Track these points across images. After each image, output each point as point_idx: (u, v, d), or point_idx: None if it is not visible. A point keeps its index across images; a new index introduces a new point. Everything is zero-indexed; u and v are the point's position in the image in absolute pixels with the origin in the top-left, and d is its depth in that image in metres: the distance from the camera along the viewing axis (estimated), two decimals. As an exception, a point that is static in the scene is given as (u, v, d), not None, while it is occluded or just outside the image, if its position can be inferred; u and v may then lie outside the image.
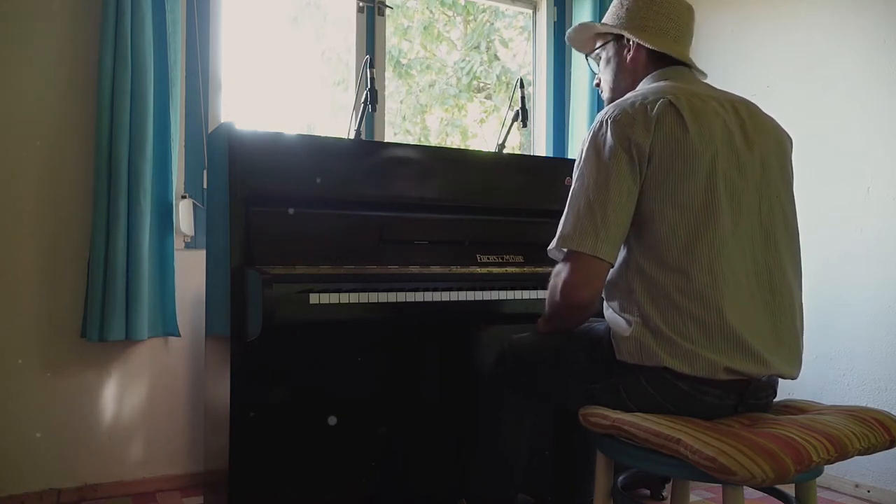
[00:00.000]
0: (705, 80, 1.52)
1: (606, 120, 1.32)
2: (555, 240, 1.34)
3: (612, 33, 1.54)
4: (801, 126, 2.60)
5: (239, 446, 1.74)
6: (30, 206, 2.21)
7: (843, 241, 2.46)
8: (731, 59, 2.90)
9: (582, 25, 1.60)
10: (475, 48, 4.38)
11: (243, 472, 1.76)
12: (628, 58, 1.51)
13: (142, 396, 2.35)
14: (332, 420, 1.83)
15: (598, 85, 1.63)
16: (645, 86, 1.44)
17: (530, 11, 3.33)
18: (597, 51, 1.60)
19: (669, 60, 1.48)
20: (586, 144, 1.34)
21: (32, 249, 2.21)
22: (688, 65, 1.50)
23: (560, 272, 1.33)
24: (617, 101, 1.36)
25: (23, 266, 2.20)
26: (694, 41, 1.57)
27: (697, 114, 1.30)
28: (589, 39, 1.63)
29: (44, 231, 2.22)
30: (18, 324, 2.19)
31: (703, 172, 1.27)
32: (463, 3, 4.35)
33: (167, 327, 2.32)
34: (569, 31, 1.63)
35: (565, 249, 1.32)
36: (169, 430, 2.38)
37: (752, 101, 1.47)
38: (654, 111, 1.28)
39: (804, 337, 1.41)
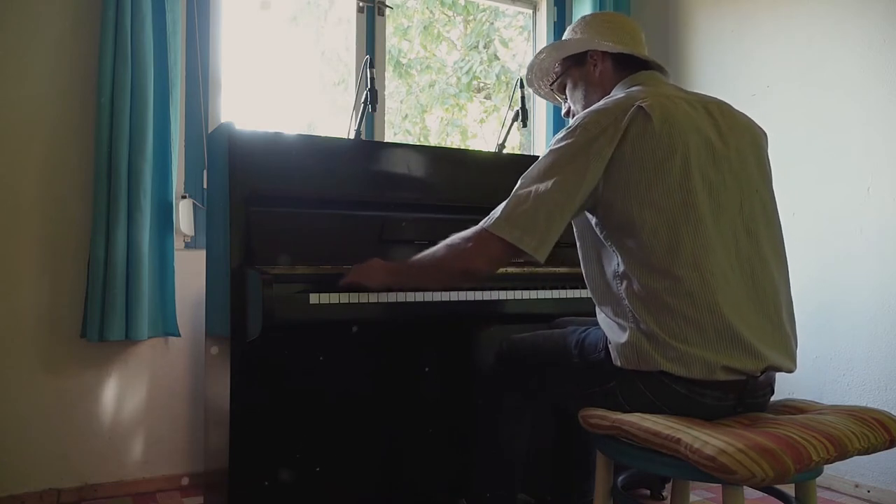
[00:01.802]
0: (672, 81, 1.55)
1: (578, 126, 1.34)
2: (489, 218, 1.35)
3: (572, 57, 1.58)
4: (801, 126, 2.61)
5: (239, 446, 1.74)
6: (30, 206, 2.21)
7: (843, 241, 2.46)
8: (731, 59, 2.90)
9: (551, 48, 1.61)
10: (475, 48, 4.38)
11: (243, 472, 1.76)
12: (596, 72, 1.54)
13: (142, 396, 2.35)
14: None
15: (567, 114, 1.65)
16: (617, 92, 1.46)
17: (530, 11, 3.33)
18: (559, 79, 1.63)
19: (635, 66, 1.51)
20: (554, 141, 1.37)
21: (32, 249, 2.21)
22: (653, 67, 1.53)
23: (474, 241, 1.36)
24: (591, 107, 1.38)
25: (23, 266, 2.20)
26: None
27: (667, 115, 1.31)
28: (546, 76, 1.68)
29: (44, 231, 2.22)
30: (18, 324, 2.19)
31: (676, 172, 1.28)
32: (463, 3, 4.35)
33: (167, 327, 2.32)
34: (530, 69, 1.67)
35: (496, 233, 1.33)
36: (169, 430, 2.38)
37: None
38: (625, 119, 1.30)
39: (802, 333, 1.42)
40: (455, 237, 1.41)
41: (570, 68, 1.59)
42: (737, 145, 1.38)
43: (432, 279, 1.54)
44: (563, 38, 1.61)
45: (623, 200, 1.30)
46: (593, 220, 1.40)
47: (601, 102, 1.39)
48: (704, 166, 1.31)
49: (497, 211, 1.36)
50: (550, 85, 1.69)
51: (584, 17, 1.61)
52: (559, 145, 1.34)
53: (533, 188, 1.32)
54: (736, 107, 1.50)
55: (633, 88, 1.43)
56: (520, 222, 1.31)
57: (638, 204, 1.29)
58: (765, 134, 1.49)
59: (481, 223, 1.37)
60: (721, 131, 1.37)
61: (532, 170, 1.36)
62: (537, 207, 1.30)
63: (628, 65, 1.52)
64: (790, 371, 1.35)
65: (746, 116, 1.48)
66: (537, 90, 1.75)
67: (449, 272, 1.45)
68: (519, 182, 1.37)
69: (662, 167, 1.28)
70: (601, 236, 1.38)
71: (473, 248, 1.36)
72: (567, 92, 1.62)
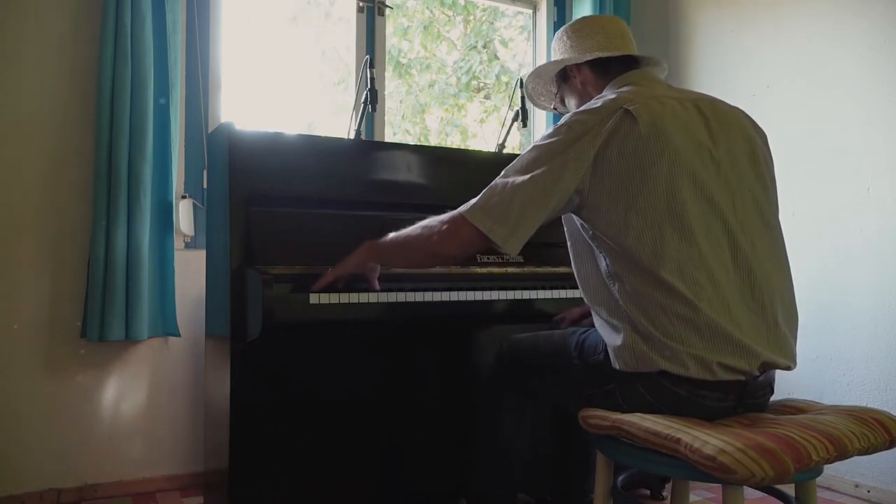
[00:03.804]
0: (667, 76, 1.54)
1: (564, 125, 1.34)
2: (466, 205, 1.36)
3: (559, 73, 1.60)
4: (801, 126, 2.61)
5: (239, 446, 1.74)
6: (30, 206, 2.21)
7: (843, 241, 2.46)
8: (731, 59, 2.90)
9: (534, 77, 1.65)
10: (475, 48, 4.38)
11: (243, 472, 1.76)
12: (578, 83, 1.56)
13: (142, 396, 2.35)
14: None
15: None
16: (608, 94, 1.43)
17: (530, 11, 3.34)
18: (557, 96, 1.65)
19: (618, 68, 1.50)
20: (540, 137, 1.37)
21: (32, 249, 2.21)
22: (639, 60, 1.52)
23: (448, 225, 1.37)
24: (583, 106, 1.38)
25: (23, 266, 2.20)
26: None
27: (655, 118, 1.30)
28: (546, 92, 1.70)
29: (44, 231, 2.23)
30: (18, 324, 2.19)
31: (662, 177, 1.28)
32: (463, 3, 4.35)
33: (167, 327, 2.32)
34: (527, 88, 1.70)
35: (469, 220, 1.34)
36: (169, 430, 2.39)
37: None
38: (611, 121, 1.30)
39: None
40: (432, 219, 1.42)
41: (561, 84, 1.62)
42: (727, 144, 1.37)
43: (405, 259, 1.54)
44: (552, 56, 1.63)
45: (609, 204, 1.30)
46: (579, 222, 1.40)
47: (590, 103, 1.39)
48: (694, 167, 1.30)
49: (476, 199, 1.37)
50: (553, 104, 1.71)
51: (557, 33, 1.61)
52: (544, 142, 1.35)
53: (511, 180, 1.33)
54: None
55: (623, 89, 1.42)
56: (493, 212, 1.32)
57: (624, 208, 1.28)
58: (758, 128, 1.47)
59: (459, 208, 1.38)
60: (712, 131, 1.36)
61: (514, 163, 1.37)
62: (512, 199, 1.31)
63: (610, 66, 1.51)
64: (789, 369, 1.35)
65: (739, 112, 1.46)
66: (545, 108, 1.77)
67: (421, 253, 1.46)
68: (501, 173, 1.38)
69: (649, 172, 1.28)
70: (588, 237, 1.38)
71: (446, 232, 1.37)
72: (567, 103, 1.65)
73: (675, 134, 1.30)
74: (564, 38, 1.58)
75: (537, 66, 1.66)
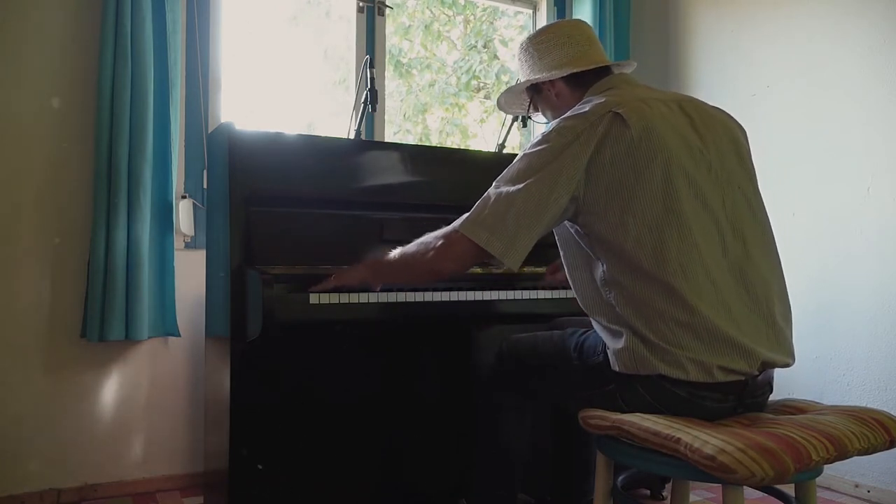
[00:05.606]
0: (631, 72, 1.54)
1: (553, 130, 1.33)
2: (461, 219, 1.35)
3: (531, 87, 1.59)
4: (801, 126, 2.61)
5: (239, 446, 1.74)
6: (30, 207, 2.21)
7: (843, 241, 2.46)
8: (731, 60, 2.90)
9: (506, 93, 1.65)
10: (474, 48, 4.39)
11: (243, 472, 1.76)
12: (553, 95, 1.54)
13: (142, 396, 2.35)
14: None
15: None
16: (593, 98, 1.42)
17: (530, 11, 3.34)
18: (531, 106, 1.64)
19: (592, 77, 1.49)
20: (530, 145, 1.36)
21: (33, 249, 2.21)
22: (609, 67, 1.51)
23: (443, 241, 1.36)
24: (570, 111, 1.37)
25: (23, 266, 2.20)
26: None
27: (645, 121, 1.30)
28: (518, 101, 1.68)
29: (44, 231, 2.23)
30: (19, 324, 2.19)
31: (657, 179, 1.27)
32: (463, 3, 4.35)
33: (167, 327, 2.32)
34: (499, 102, 1.70)
35: (464, 233, 1.33)
36: (169, 430, 2.39)
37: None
38: (601, 125, 1.29)
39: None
40: (428, 236, 1.41)
41: (534, 96, 1.60)
42: (714, 142, 1.37)
43: (404, 276, 1.54)
44: (518, 68, 1.62)
45: (605, 209, 1.29)
46: (574, 229, 1.39)
47: (577, 107, 1.37)
48: (687, 167, 1.30)
49: (470, 213, 1.35)
50: (527, 112, 1.69)
51: (521, 45, 1.59)
52: (534, 149, 1.33)
53: (503, 191, 1.31)
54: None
55: (608, 92, 1.42)
56: (487, 223, 1.30)
57: (620, 212, 1.28)
58: (742, 128, 1.47)
59: (454, 223, 1.37)
60: (698, 130, 1.36)
61: (506, 172, 1.35)
62: (507, 211, 1.29)
63: (583, 76, 1.49)
64: (787, 366, 1.35)
65: (720, 111, 1.47)
66: (520, 115, 1.77)
67: (418, 270, 1.45)
68: (493, 184, 1.36)
69: (643, 175, 1.27)
70: (583, 244, 1.37)
71: (441, 248, 1.36)
72: (542, 113, 1.64)
73: (667, 135, 1.30)
74: (531, 49, 1.55)
75: (509, 85, 1.65)
